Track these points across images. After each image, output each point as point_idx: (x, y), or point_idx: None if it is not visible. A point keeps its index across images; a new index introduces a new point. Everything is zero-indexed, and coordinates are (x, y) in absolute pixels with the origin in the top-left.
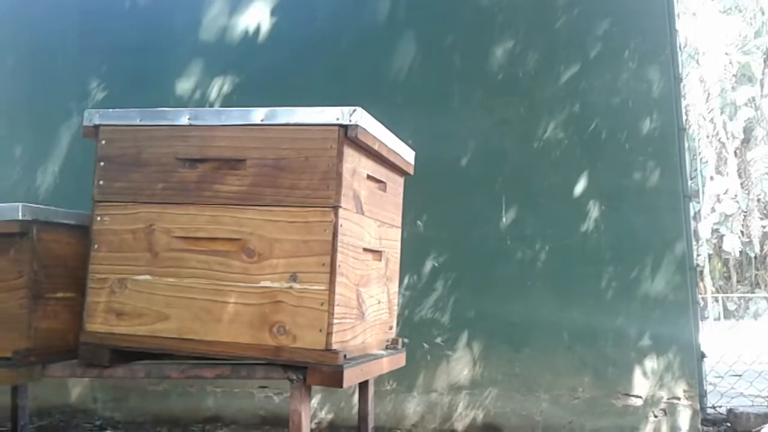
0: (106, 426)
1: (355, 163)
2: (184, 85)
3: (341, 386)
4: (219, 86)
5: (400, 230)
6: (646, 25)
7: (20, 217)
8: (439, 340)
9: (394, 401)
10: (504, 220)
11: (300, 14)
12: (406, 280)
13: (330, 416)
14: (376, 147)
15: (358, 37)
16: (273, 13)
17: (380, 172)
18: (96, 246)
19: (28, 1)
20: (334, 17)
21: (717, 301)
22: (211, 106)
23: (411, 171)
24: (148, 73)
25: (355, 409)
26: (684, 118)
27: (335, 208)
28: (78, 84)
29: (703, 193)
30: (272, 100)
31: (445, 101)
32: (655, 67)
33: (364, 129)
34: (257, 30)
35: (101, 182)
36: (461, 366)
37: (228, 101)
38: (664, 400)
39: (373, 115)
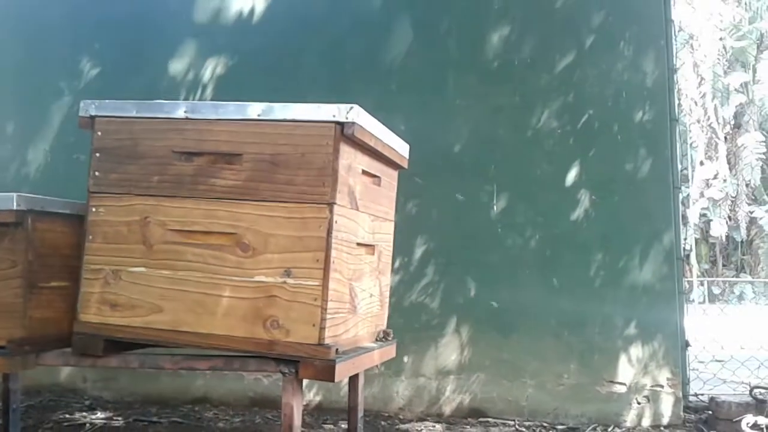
0: (96, 406)
1: (350, 160)
2: (177, 65)
3: (333, 380)
4: (212, 67)
5: (393, 224)
6: (642, 15)
7: (15, 207)
8: (427, 324)
9: (382, 384)
10: (495, 207)
11: None
12: (396, 264)
13: (318, 398)
14: (372, 143)
15: (353, 20)
16: None
17: (375, 167)
18: (91, 237)
19: None
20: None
21: (702, 284)
22: (205, 86)
23: (405, 165)
24: (141, 52)
25: (343, 392)
26: (677, 108)
27: (330, 204)
28: (70, 61)
29: (692, 178)
30: (265, 83)
31: (440, 88)
32: (649, 57)
33: (361, 126)
34: (251, 11)
35: (97, 173)
36: (449, 351)
37: (221, 83)
38: (648, 387)
39: (366, 99)
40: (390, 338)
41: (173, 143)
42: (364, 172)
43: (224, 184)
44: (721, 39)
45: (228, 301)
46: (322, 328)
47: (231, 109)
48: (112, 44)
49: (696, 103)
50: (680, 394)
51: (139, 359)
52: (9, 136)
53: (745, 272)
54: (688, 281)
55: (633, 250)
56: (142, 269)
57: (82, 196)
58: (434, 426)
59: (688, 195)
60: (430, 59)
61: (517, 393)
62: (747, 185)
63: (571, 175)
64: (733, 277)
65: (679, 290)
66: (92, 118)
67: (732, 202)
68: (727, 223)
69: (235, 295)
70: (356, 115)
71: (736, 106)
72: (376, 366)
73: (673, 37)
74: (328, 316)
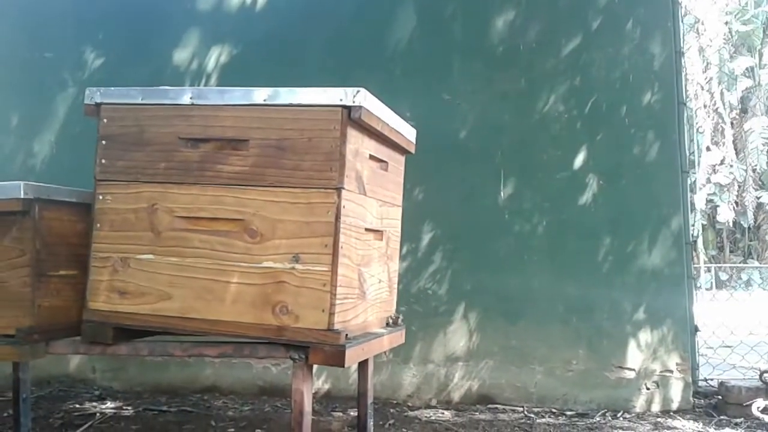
0: (105, 396)
1: (357, 144)
2: (181, 54)
3: (343, 365)
4: (216, 55)
5: (400, 209)
6: None
7: (22, 196)
8: (435, 311)
9: (391, 372)
10: (502, 193)
11: None
12: (403, 250)
13: (327, 386)
14: (379, 127)
15: (357, 5)
16: None
17: (382, 151)
18: (98, 225)
19: None
20: None
21: (709, 271)
22: (209, 76)
23: (412, 150)
24: (145, 41)
25: (352, 380)
26: (684, 91)
27: (338, 189)
28: (74, 52)
29: (698, 163)
30: (270, 71)
31: (445, 73)
32: (656, 39)
33: (368, 110)
34: None
35: (103, 161)
36: (457, 338)
37: (226, 71)
38: (657, 372)
39: (371, 86)
40: (400, 323)
41: (179, 129)
42: (372, 157)
43: (231, 170)
44: (726, 23)
45: (236, 288)
46: (331, 314)
47: (237, 95)
48: (116, 34)
49: (702, 87)
50: (690, 380)
51: (149, 346)
52: (14, 127)
53: (752, 258)
54: (695, 267)
55: (641, 234)
56: (150, 256)
57: (87, 188)
58: (443, 413)
59: (694, 180)
60: (435, 44)
61: (526, 379)
62: (754, 170)
63: (578, 160)
64: (740, 263)
65: (688, 275)
66: (98, 105)
67: (739, 187)
68: (734, 208)
69: (244, 282)
70: (363, 98)
71: (742, 91)
72: (384, 352)
73: (680, 18)
74: (338, 302)
